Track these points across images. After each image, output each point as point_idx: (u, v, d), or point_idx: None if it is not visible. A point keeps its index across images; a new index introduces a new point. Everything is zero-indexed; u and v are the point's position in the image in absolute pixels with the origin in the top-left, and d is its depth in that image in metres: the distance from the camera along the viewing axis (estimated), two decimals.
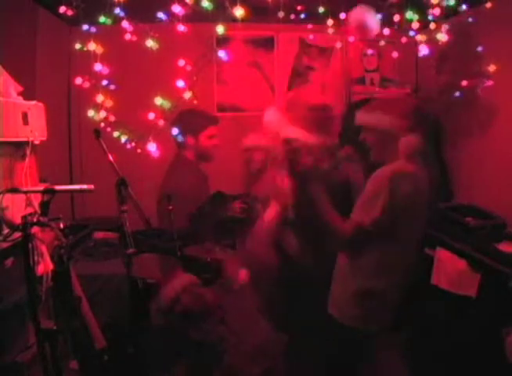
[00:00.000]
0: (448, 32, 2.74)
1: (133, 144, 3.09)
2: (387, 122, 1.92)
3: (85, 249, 2.95)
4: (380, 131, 1.94)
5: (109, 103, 2.92)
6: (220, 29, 2.65)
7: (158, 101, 2.84)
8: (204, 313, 2.03)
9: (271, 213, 2.24)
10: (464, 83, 3.13)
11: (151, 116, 2.96)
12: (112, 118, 2.99)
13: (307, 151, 2.22)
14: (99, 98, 2.87)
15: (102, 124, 2.96)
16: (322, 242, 2.11)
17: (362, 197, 1.92)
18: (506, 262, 2.27)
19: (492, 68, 2.94)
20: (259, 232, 2.22)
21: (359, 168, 2.30)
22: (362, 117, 2.03)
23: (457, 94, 3.22)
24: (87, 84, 2.93)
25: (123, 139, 3.09)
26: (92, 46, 2.73)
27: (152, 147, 2.87)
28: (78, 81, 2.90)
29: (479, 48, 3.05)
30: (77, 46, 2.85)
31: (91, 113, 2.90)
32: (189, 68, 2.89)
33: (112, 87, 2.94)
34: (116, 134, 3.07)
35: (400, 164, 1.90)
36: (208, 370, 1.93)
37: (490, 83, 2.96)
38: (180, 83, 2.81)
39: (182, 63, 2.86)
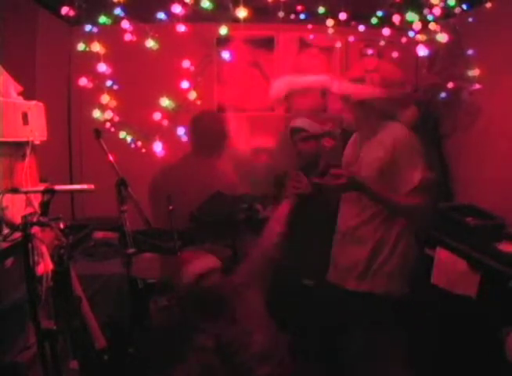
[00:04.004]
0: (442, 33, 2.74)
1: (139, 144, 3.10)
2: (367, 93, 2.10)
3: (85, 249, 2.96)
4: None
5: (112, 104, 2.93)
6: (222, 30, 2.66)
7: (164, 102, 2.84)
8: (223, 301, 1.99)
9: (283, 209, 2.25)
10: (450, 85, 3.14)
11: (157, 116, 2.97)
12: (116, 118, 3.00)
13: (314, 140, 2.33)
14: (105, 98, 2.87)
15: (108, 124, 2.97)
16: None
17: (374, 166, 2.01)
18: (506, 262, 2.27)
19: (477, 72, 2.97)
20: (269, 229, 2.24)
21: None
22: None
23: (443, 95, 3.23)
24: (89, 85, 2.93)
25: (128, 139, 3.09)
26: (95, 46, 2.73)
27: (158, 147, 2.87)
28: (82, 81, 2.90)
29: (469, 51, 3.06)
30: (80, 47, 2.85)
31: (96, 113, 2.90)
32: (192, 69, 2.89)
33: (115, 87, 2.95)
34: (122, 134, 3.07)
35: (404, 128, 2.07)
36: (218, 371, 1.92)
37: (476, 86, 2.98)
38: (185, 84, 2.82)
39: (186, 63, 2.86)
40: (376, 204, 2.02)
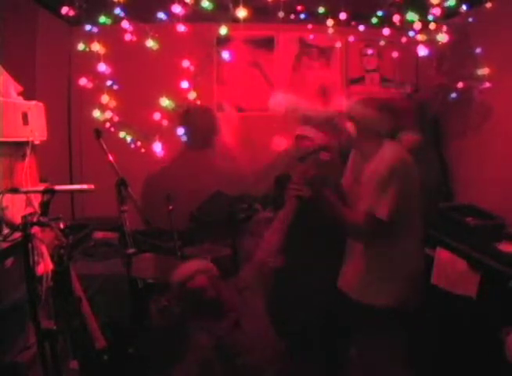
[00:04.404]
0: (447, 32, 2.74)
1: (138, 144, 3.10)
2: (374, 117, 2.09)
3: (85, 249, 2.95)
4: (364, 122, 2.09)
5: (112, 103, 2.93)
6: (222, 30, 2.65)
7: (163, 102, 2.84)
8: (217, 303, 2.03)
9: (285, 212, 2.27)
10: (460, 84, 3.14)
11: (156, 116, 2.97)
12: (116, 118, 3.00)
13: (318, 149, 2.37)
14: (104, 98, 2.87)
15: (108, 124, 2.97)
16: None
17: (367, 186, 2.00)
18: (506, 262, 2.27)
19: (487, 70, 2.96)
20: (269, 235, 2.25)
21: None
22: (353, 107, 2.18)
23: (453, 95, 3.22)
24: (89, 85, 2.93)
25: (128, 139, 3.09)
26: (95, 46, 2.73)
27: (157, 147, 2.87)
28: (82, 81, 2.90)
29: (477, 50, 3.05)
30: (80, 46, 2.85)
31: (96, 113, 2.90)
32: (192, 68, 2.90)
33: (115, 87, 2.95)
34: (122, 134, 3.07)
35: (400, 151, 2.05)
36: (217, 370, 1.93)
37: (486, 85, 2.98)
38: (184, 84, 2.82)
39: (185, 63, 2.86)
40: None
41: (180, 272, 2.11)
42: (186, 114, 3.44)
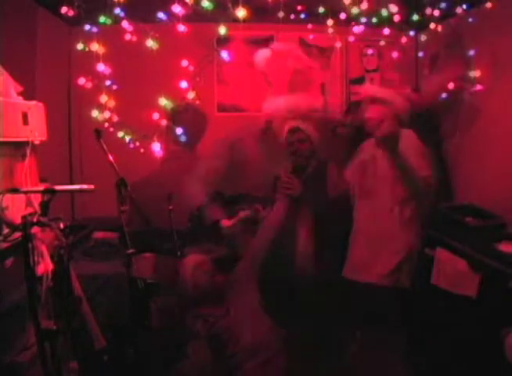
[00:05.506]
0: (444, 33, 2.75)
1: (137, 144, 3.09)
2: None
3: (85, 249, 2.96)
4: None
5: (111, 103, 2.93)
6: (221, 29, 2.65)
7: (162, 101, 2.84)
8: (212, 295, 2.15)
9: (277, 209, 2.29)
10: (451, 85, 3.14)
11: (155, 116, 2.96)
12: (115, 118, 3.00)
13: (309, 141, 2.41)
14: (103, 98, 2.87)
15: (106, 124, 2.96)
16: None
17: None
18: (506, 262, 2.27)
19: (478, 73, 2.97)
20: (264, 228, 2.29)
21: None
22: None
23: (444, 95, 3.23)
24: (88, 85, 2.93)
25: (127, 138, 3.09)
26: (94, 46, 2.73)
27: (156, 147, 2.87)
28: (81, 81, 2.90)
29: (470, 52, 3.06)
30: (79, 46, 2.85)
31: (95, 113, 2.90)
32: (191, 68, 2.89)
33: (114, 87, 2.95)
34: (120, 134, 3.07)
35: None
36: (211, 360, 1.96)
37: (478, 87, 2.98)
38: (183, 84, 2.81)
39: (184, 63, 2.86)
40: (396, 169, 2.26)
41: (181, 268, 2.25)
42: (176, 113, 3.42)
